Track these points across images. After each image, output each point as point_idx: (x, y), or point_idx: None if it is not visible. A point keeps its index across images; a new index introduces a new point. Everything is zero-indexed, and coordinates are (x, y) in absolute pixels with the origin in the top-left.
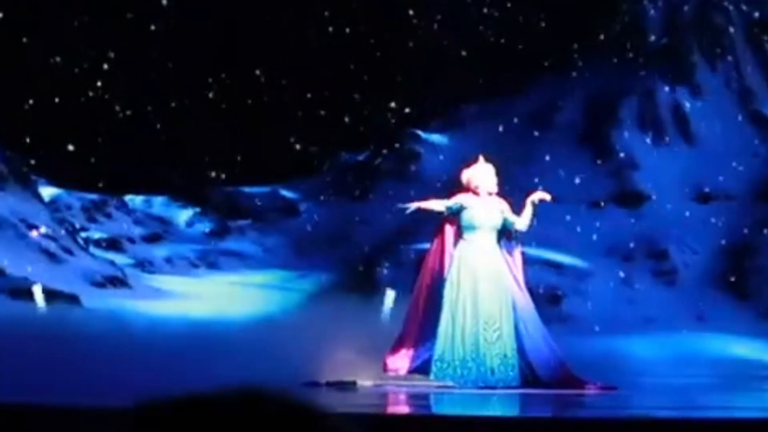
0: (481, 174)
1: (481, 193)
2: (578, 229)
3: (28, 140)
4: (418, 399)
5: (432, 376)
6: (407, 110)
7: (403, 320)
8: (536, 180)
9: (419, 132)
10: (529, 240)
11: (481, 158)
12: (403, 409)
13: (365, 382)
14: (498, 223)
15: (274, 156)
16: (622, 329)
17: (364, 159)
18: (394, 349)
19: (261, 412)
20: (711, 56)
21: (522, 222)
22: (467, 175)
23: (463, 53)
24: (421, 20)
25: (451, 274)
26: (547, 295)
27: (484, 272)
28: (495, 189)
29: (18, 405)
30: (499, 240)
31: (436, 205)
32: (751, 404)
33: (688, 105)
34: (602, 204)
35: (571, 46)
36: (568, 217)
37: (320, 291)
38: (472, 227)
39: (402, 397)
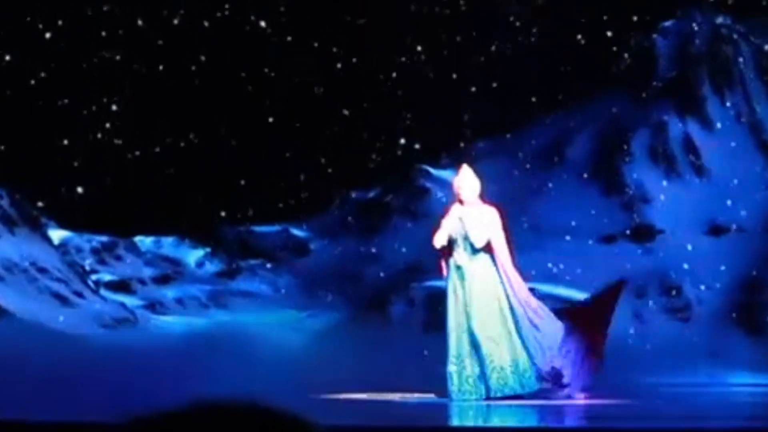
0: (457, 180)
1: (464, 200)
2: (589, 263)
3: (36, 183)
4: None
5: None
6: (417, 146)
7: None
8: (548, 214)
9: (429, 168)
10: (539, 275)
11: (464, 165)
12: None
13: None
14: (462, 232)
15: (284, 194)
16: (635, 365)
17: (374, 196)
18: None
19: (254, 424)
20: (721, 89)
21: (474, 236)
22: (454, 184)
23: (473, 89)
24: (429, 56)
25: (447, 293)
26: None
27: (470, 284)
28: (471, 193)
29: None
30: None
31: (443, 230)
32: None
33: (699, 138)
34: (614, 238)
35: (582, 80)
36: (579, 252)
37: (332, 329)
38: (451, 240)
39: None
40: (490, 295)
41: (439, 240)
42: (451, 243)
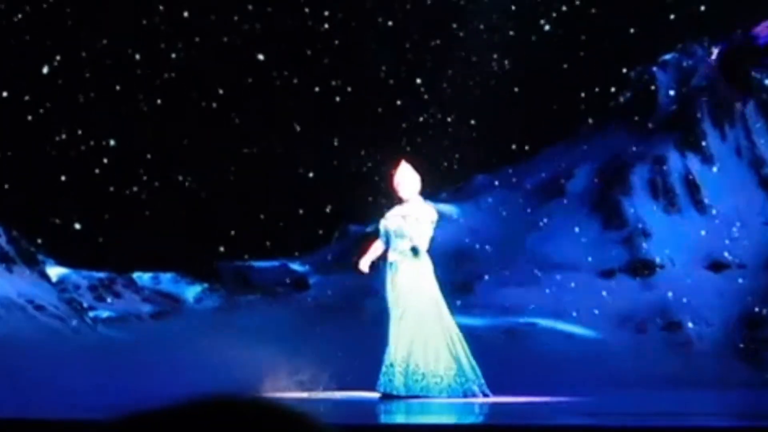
0: (397, 177)
1: (404, 197)
2: (589, 298)
3: (34, 220)
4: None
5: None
6: None
7: None
8: (547, 248)
9: (429, 202)
10: (538, 310)
11: (402, 161)
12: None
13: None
14: (402, 231)
15: (283, 229)
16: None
17: (373, 230)
18: None
19: (258, 419)
20: (721, 123)
21: (415, 235)
22: (394, 181)
23: (472, 122)
24: (428, 90)
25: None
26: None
27: (408, 283)
28: (411, 190)
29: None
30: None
31: (377, 245)
32: None
33: (699, 173)
34: (613, 273)
35: (582, 113)
36: (578, 287)
37: (332, 363)
38: (387, 242)
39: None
40: (428, 294)
41: (365, 265)
42: (390, 241)
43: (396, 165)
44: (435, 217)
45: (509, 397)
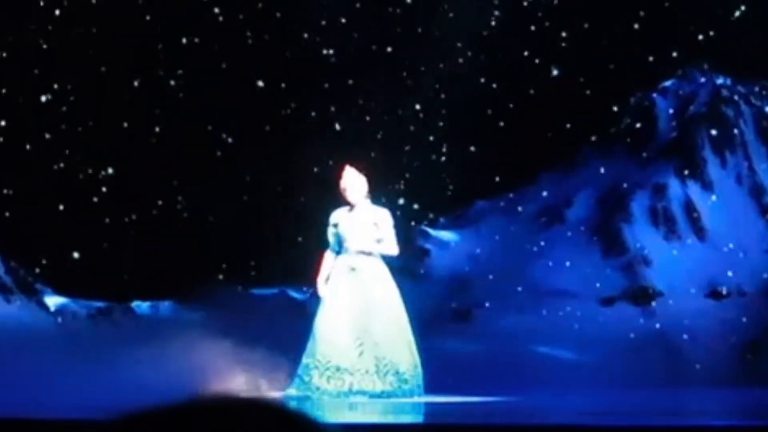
0: (343, 182)
1: (352, 201)
2: (589, 326)
3: (32, 249)
4: None
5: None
6: (416, 206)
7: None
8: (546, 276)
9: (428, 229)
10: (538, 337)
11: (347, 166)
12: None
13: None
14: (354, 235)
15: (282, 256)
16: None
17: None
18: None
19: (259, 419)
20: (722, 151)
21: (364, 238)
22: (340, 186)
23: (472, 148)
24: (427, 116)
25: (337, 294)
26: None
27: (366, 286)
28: (358, 194)
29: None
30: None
31: (328, 257)
32: None
33: (699, 200)
34: (613, 300)
35: (581, 140)
36: (578, 314)
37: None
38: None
39: None
40: (386, 297)
41: (322, 287)
42: (344, 245)
43: (341, 170)
44: (391, 220)
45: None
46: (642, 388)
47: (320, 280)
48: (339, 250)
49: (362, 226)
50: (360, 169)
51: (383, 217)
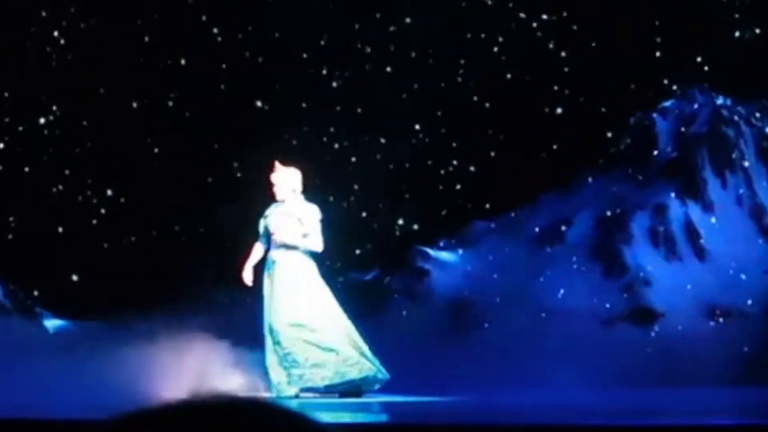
0: (273, 179)
1: (282, 198)
2: (589, 347)
3: (31, 272)
4: None
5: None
6: (415, 227)
7: None
8: (546, 296)
9: (428, 250)
10: (539, 358)
11: (277, 163)
12: None
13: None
14: (281, 229)
15: None
16: None
17: (372, 278)
18: None
19: (248, 419)
20: (722, 171)
21: (291, 233)
22: (272, 182)
23: (471, 168)
24: (426, 136)
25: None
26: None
27: (289, 280)
28: (288, 190)
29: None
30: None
31: (256, 248)
32: None
33: (699, 220)
34: (613, 321)
35: (581, 160)
36: (579, 334)
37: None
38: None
39: None
40: (313, 289)
41: (248, 274)
42: (272, 240)
43: (270, 168)
44: (319, 215)
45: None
46: (642, 411)
47: (245, 269)
48: (267, 243)
49: (287, 220)
50: (288, 164)
51: (310, 213)
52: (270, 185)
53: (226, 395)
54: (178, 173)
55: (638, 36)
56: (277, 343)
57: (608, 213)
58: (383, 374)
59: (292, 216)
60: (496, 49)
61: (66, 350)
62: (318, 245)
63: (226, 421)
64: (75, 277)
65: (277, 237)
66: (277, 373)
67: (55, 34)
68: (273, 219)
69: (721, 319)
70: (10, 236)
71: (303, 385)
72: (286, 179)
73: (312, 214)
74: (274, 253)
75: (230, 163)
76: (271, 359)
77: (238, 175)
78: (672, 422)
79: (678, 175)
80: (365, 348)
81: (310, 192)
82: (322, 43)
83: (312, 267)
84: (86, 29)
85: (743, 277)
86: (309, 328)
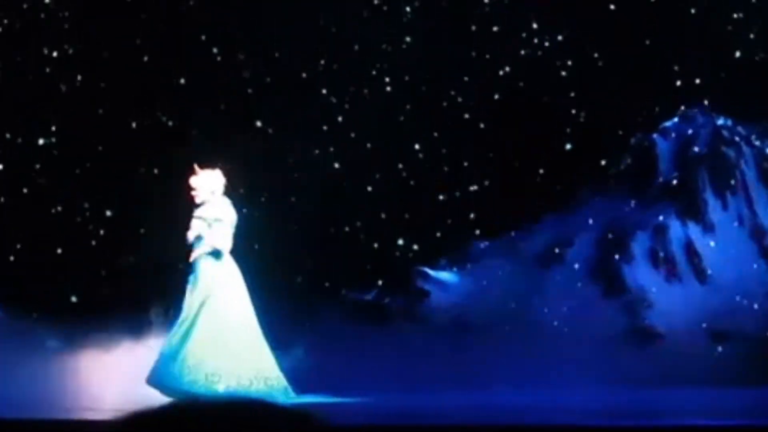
0: (192, 183)
1: (201, 201)
2: (590, 366)
3: (30, 294)
4: None
5: None
6: (415, 247)
7: None
8: (547, 317)
9: (428, 270)
10: (539, 378)
11: (196, 167)
12: None
13: None
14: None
15: (280, 298)
16: None
17: (372, 299)
18: None
19: (256, 418)
20: (723, 192)
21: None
22: (191, 186)
23: (472, 188)
24: (426, 155)
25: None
26: None
27: (213, 283)
28: (207, 194)
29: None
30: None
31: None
32: None
33: (700, 242)
34: (614, 341)
35: (581, 180)
36: (579, 354)
37: None
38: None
39: None
40: (232, 293)
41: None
42: (192, 243)
43: (189, 172)
44: (234, 217)
45: None
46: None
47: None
48: (193, 244)
49: (204, 222)
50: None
51: (222, 213)
52: (189, 188)
53: (228, 396)
54: (178, 193)
55: (639, 56)
56: (188, 343)
57: (608, 233)
58: (288, 395)
59: (209, 217)
60: (496, 69)
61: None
62: (223, 243)
63: (228, 421)
64: (74, 299)
65: (196, 243)
66: (186, 369)
67: (55, 54)
68: (194, 222)
69: (721, 341)
70: (8, 257)
71: (207, 387)
72: (207, 181)
73: (228, 216)
74: (194, 258)
75: (236, 185)
76: (180, 356)
77: (241, 190)
78: (672, 422)
79: (678, 195)
80: (273, 361)
81: (308, 213)
82: (322, 62)
83: (235, 272)
84: (85, 49)
85: (744, 299)
86: (213, 336)
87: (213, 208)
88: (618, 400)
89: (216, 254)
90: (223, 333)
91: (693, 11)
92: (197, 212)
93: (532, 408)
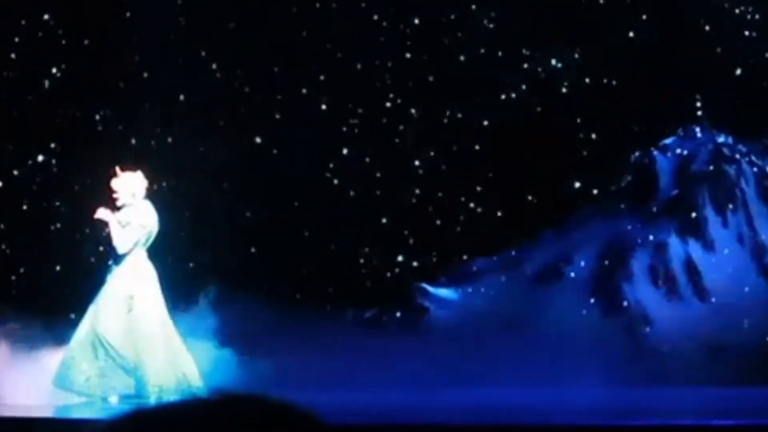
0: (113, 186)
1: (122, 204)
2: (590, 384)
3: (30, 310)
4: None
5: None
6: (415, 264)
7: None
8: (547, 335)
9: (427, 287)
10: (539, 396)
11: (118, 170)
12: None
13: None
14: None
15: (281, 318)
16: None
17: (371, 316)
18: None
19: (256, 416)
20: (723, 210)
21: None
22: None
23: (471, 205)
24: (426, 171)
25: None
26: None
27: (130, 286)
28: (128, 197)
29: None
30: None
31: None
32: None
33: (700, 259)
34: (614, 359)
35: (581, 198)
36: (579, 372)
37: None
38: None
39: None
40: (146, 295)
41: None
42: (110, 243)
43: (111, 175)
44: (155, 220)
45: None
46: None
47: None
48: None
49: (123, 224)
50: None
51: (142, 217)
52: (111, 191)
53: (229, 394)
54: (178, 209)
55: (639, 73)
56: (99, 347)
57: (609, 251)
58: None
59: (123, 220)
60: (497, 88)
61: None
62: (122, 245)
63: (229, 421)
64: (72, 316)
65: (113, 240)
66: (88, 371)
67: (54, 70)
68: (110, 225)
69: (721, 359)
70: (7, 274)
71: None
72: (127, 184)
73: (138, 216)
74: (116, 258)
75: (235, 205)
76: (87, 358)
77: (247, 214)
78: (672, 422)
79: (679, 213)
80: (192, 362)
81: (307, 229)
82: (321, 78)
83: (151, 275)
84: (84, 65)
85: (744, 316)
86: (125, 339)
87: (133, 210)
88: (618, 400)
89: (132, 257)
90: (138, 335)
91: (694, 30)
92: (117, 215)
93: (531, 421)
